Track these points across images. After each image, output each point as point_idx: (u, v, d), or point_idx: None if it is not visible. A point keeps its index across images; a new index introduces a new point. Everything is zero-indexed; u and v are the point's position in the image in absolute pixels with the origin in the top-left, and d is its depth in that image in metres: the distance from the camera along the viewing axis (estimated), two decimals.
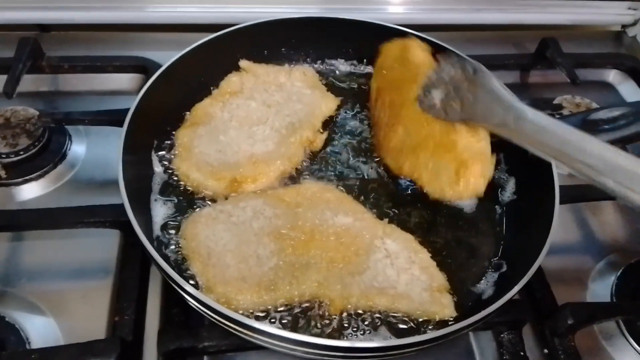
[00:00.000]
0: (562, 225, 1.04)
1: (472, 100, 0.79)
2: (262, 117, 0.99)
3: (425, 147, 0.87)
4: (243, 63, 1.06)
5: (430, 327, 0.78)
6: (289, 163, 0.93)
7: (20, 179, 1.00)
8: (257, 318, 0.76)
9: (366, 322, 0.78)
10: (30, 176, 1.00)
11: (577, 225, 1.07)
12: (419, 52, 0.95)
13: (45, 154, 1.03)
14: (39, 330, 0.83)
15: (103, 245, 0.93)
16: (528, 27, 1.43)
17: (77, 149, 1.07)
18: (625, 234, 1.06)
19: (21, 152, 1.00)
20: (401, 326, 0.78)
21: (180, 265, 0.81)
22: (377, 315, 0.79)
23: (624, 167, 0.65)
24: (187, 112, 1.00)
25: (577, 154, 0.68)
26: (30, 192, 1.01)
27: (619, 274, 0.97)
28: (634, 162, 0.65)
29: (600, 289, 0.96)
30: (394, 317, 0.79)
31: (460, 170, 0.82)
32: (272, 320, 0.77)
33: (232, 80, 1.04)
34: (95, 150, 1.08)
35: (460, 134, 0.83)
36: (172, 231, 0.85)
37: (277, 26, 1.08)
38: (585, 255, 1.02)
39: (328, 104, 1.04)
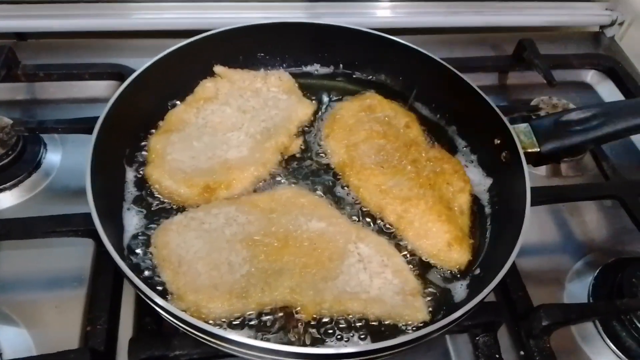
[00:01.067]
0: (540, 226, 1.06)
1: None
2: (237, 122, 0.99)
3: (416, 204, 0.88)
4: (218, 69, 1.06)
5: (407, 331, 0.78)
6: (263, 168, 0.93)
7: None
8: (230, 326, 0.76)
9: (340, 327, 0.78)
10: (4, 185, 1.00)
11: (555, 225, 1.07)
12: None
13: (20, 162, 1.03)
14: (11, 340, 0.83)
15: (77, 254, 0.92)
16: (505, 29, 1.43)
17: (52, 157, 1.07)
18: (603, 234, 1.07)
19: None
20: (375, 330, 0.78)
21: (154, 276, 0.80)
22: (351, 320, 0.78)
23: None
24: (161, 120, 0.99)
25: None
26: (4, 201, 1.00)
27: (596, 274, 0.98)
28: None
29: (578, 290, 0.96)
30: (367, 321, 0.78)
31: (454, 244, 0.84)
32: (246, 326, 0.76)
33: (206, 86, 1.03)
34: (71, 159, 1.07)
35: (454, 207, 0.88)
36: (144, 239, 0.84)
37: (252, 31, 1.07)
38: (563, 255, 1.02)
39: (304, 109, 1.04)
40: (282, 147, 0.97)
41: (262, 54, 1.11)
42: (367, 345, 0.72)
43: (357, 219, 0.90)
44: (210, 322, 0.74)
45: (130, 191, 0.90)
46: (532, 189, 0.85)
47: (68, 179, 1.04)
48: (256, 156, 0.94)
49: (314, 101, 1.07)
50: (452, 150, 1.01)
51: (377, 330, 0.78)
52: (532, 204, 0.83)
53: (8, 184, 1.00)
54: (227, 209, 0.84)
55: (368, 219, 0.90)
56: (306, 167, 0.97)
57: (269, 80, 1.07)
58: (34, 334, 0.83)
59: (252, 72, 1.08)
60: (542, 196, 0.99)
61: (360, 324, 0.78)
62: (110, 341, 0.81)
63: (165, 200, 0.89)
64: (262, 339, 0.74)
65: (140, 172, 0.93)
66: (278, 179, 0.95)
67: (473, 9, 1.40)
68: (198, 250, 0.79)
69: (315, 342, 0.76)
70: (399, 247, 0.87)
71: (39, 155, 1.05)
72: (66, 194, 1.02)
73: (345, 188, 0.94)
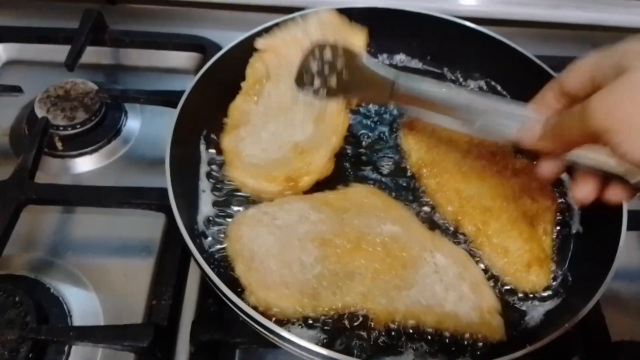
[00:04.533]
0: (628, 251, 0.97)
1: (354, 75, 0.81)
2: (293, 96, 0.92)
3: (497, 217, 0.83)
4: (259, 43, 0.97)
5: (478, 348, 0.74)
6: (335, 139, 0.88)
7: (75, 152, 1.02)
8: (297, 325, 0.74)
9: (408, 339, 0.75)
10: (85, 150, 1.02)
11: None
12: None
13: (101, 128, 1.05)
14: (81, 304, 0.85)
15: (149, 225, 0.93)
16: (610, 28, 1.31)
17: (132, 125, 1.08)
18: None
19: (78, 126, 1.02)
20: (440, 345, 0.74)
21: (220, 262, 0.80)
22: (421, 332, 0.75)
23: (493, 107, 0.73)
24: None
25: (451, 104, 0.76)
26: (84, 165, 1.03)
27: None
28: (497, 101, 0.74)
29: None
30: (436, 335, 0.75)
31: (534, 266, 0.80)
32: (314, 328, 0.74)
33: (255, 67, 0.96)
34: (149, 128, 1.08)
35: (538, 225, 0.83)
36: (216, 227, 0.84)
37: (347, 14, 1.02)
38: None
39: (357, 39, 0.96)
40: (346, 104, 0.91)
41: None
42: None
43: (428, 225, 0.86)
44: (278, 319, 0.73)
45: (206, 172, 0.90)
46: (628, 211, 0.78)
47: (145, 147, 1.05)
48: (321, 128, 0.89)
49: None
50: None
51: (442, 345, 0.74)
52: (629, 229, 0.76)
53: (89, 149, 1.02)
54: (300, 205, 0.82)
55: (443, 227, 0.86)
56: (379, 163, 0.93)
57: (310, 29, 0.97)
58: (102, 299, 0.86)
59: (292, 29, 0.98)
60: (636, 221, 0.91)
61: (427, 337, 0.75)
62: (173, 318, 0.82)
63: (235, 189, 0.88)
64: (327, 342, 0.73)
65: (214, 152, 0.92)
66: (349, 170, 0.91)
67: (576, 3, 1.29)
68: (270, 246, 0.78)
69: (381, 352, 0.74)
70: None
71: (120, 122, 1.06)
72: (143, 162, 1.04)
73: (422, 193, 0.89)
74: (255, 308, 0.70)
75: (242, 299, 0.70)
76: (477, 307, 0.75)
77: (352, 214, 0.82)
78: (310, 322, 0.74)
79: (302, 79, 0.83)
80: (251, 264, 0.76)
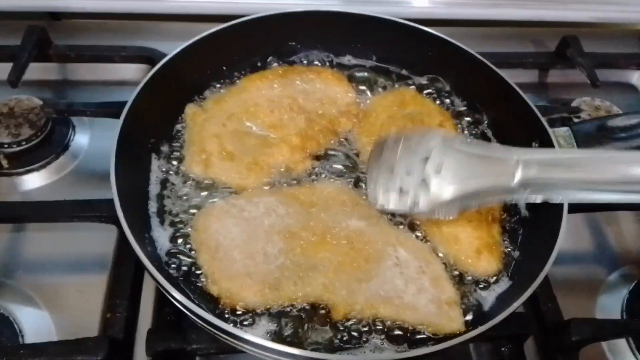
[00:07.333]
0: (574, 234, 1.02)
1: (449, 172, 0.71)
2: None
3: None
4: None
5: (435, 339, 0.75)
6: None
7: (22, 169, 1.00)
8: (256, 315, 0.74)
9: (365, 330, 0.75)
10: (33, 166, 1.01)
11: (590, 235, 1.03)
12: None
13: (48, 144, 1.03)
14: (33, 323, 0.83)
15: (101, 239, 0.92)
16: (548, 24, 1.37)
17: (81, 140, 1.07)
18: None
19: (23, 142, 1.00)
20: (397, 334, 0.75)
21: (177, 267, 0.79)
22: (378, 324, 0.76)
23: None
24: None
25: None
26: (32, 182, 1.00)
27: (631, 287, 0.94)
28: None
29: (611, 303, 0.93)
30: (394, 326, 0.76)
31: (484, 252, 0.81)
32: (272, 319, 0.75)
33: None
34: (98, 142, 1.07)
35: (486, 212, 0.84)
36: (171, 232, 0.83)
37: (285, 19, 1.04)
38: (597, 266, 0.98)
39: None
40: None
41: (294, 43, 1.08)
42: (388, 355, 0.71)
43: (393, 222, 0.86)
44: (241, 311, 0.74)
45: (157, 179, 0.88)
46: None
47: (95, 162, 1.04)
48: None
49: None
50: None
51: (403, 336, 0.75)
52: (569, 212, 0.79)
53: (36, 165, 1.00)
54: (268, 198, 0.83)
55: (406, 222, 0.87)
56: (339, 161, 0.94)
57: None
58: (55, 317, 0.84)
59: None
60: (580, 204, 0.94)
61: (386, 328, 0.75)
62: (129, 330, 0.81)
63: (191, 191, 0.87)
64: (287, 336, 0.73)
65: (164, 158, 0.90)
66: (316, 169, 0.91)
67: (515, 1, 1.34)
68: (236, 237, 0.78)
69: (339, 343, 0.74)
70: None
71: (68, 137, 1.05)
72: (93, 177, 1.02)
73: None
74: (217, 298, 0.71)
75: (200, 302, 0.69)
76: (436, 299, 0.76)
77: (319, 208, 0.83)
78: (267, 318, 0.74)
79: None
80: (215, 254, 0.77)
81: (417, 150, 0.74)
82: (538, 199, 0.71)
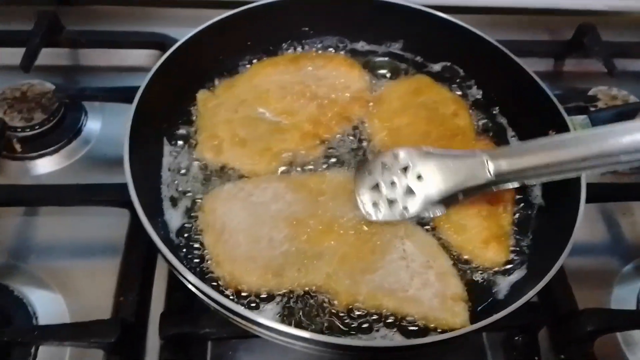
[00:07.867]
0: (589, 225, 1.00)
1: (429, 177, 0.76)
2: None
3: None
4: None
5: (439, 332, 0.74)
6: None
7: (35, 154, 1.00)
8: (260, 300, 0.74)
9: (369, 321, 0.75)
10: (45, 151, 1.01)
11: (605, 225, 1.01)
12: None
13: (61, 129, 1.03)
14: (47, 305, 0.84)
15: (114, 223, 0.91)
16: (565, 12, 1.34)
17: (93, 125, 1.07)
18: None
19: (36, 127, 1.00)
20: (410, 328, 0.74)
21: (188, 251, 0.79)
22: (384, 315, 0.75)
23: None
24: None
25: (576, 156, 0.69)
26: (44, 166, 1.01)
27: None
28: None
29: (626, 294, 0.91)
30: (400, 318, 0.75)
31: (492, 242, 0.81)
32: (276, 304, 0.74)
33: None
34: (110, 127, 1.07)
35: (497, 203, 0.84)
36: (184, 219, 0.82)
37: (298, 4, 1.03)
38: (612, 257, 0.97)
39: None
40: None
41: (307, 29, 1.07)
42: (396, 342, 0.71)
43: None
44: (244, 294, 0.74)
45: (169, 164, 0.88)
46: (587, 185, 0.79)
47: (107, 147, 1.04)
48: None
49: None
50: (502, 141, 0.96)
51: (408, 327, 0.74)
52: (587, 201, 0.78)
53: (49, 150, 1.01)
54: (277, 184, 0.83)
55: None
56: (349, 146, 0.93)
57: None
58: (69, 301, 0.84)
59: None
60: (594, 194, 0.93)
61: (390, 320, 0.75)
62: (141, 313, 0.81)
63: (203, 177, 0.87)
64: (291, 322, 0.73)
65: (177, 143, 0.91)
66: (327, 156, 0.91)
67: None
68: (242, 221, 0.78)
69: (341, 332, 0.73)
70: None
71: (80, 122, 1.05)
72: (105, 162, 1.02)
73: None
74: (219, 280, 0.71)
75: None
76: (441, 294, 0.76)
77: (328, 197, 0.82)
78: (273, 304, 0.74)
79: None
80: (220, 236, 0.77)
81: (394, 163, 0.79)
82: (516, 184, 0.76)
